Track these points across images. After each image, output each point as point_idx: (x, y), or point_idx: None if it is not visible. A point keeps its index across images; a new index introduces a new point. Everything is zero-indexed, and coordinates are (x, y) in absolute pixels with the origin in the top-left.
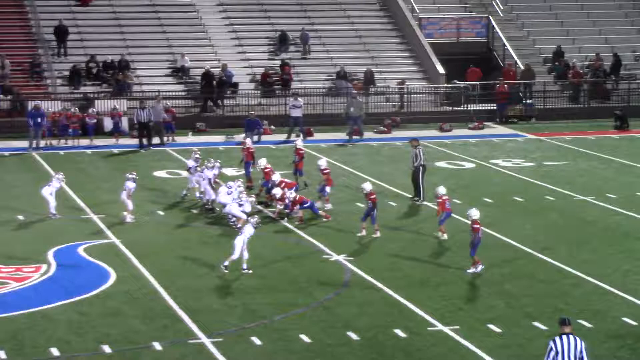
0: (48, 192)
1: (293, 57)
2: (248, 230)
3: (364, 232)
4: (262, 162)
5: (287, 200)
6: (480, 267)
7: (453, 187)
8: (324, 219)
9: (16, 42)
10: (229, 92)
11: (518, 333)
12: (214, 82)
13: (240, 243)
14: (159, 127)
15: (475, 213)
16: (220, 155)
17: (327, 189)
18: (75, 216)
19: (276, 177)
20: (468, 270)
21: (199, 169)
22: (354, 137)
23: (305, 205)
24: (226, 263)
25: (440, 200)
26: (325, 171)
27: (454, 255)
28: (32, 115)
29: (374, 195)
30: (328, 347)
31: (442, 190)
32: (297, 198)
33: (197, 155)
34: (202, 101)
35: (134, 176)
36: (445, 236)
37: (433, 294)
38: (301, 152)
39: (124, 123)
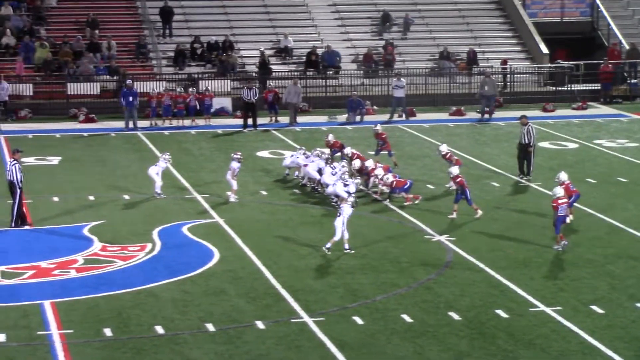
0: (155, 172)
1: (395, 37)
2: (346, 210)
3: (454, 215)
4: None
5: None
6: (562, 243)
7: (556, 168)
8: (416, 201)
9: (122, 24)
10: (330, 72)
11: (621, 314)
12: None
13: (340, 224)
14: (295, 108)
15: (557, 191)
16: (322, 134)
17: (455, 169)
18: (179, 196)
19: (369, 163)
20: (554, 247)
21: (300, 157)
22: (485, 116)
23: (405, 187)
24: (328, 245)
25: (564, 186)
26: (447, 155)
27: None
28: (124, 94)
29: (460, 178)
30: (430, 327)
31: (563, 176)
32: (394, 183)
33: (238, 156)
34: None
35: (239, 156)
36: (572, 217)
37: (535, 274)
38: (383, 135)
39: (226, 103)
